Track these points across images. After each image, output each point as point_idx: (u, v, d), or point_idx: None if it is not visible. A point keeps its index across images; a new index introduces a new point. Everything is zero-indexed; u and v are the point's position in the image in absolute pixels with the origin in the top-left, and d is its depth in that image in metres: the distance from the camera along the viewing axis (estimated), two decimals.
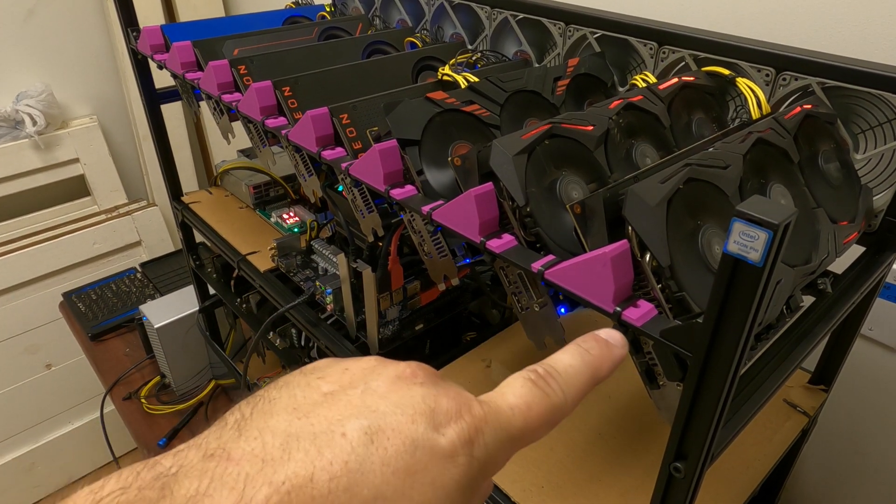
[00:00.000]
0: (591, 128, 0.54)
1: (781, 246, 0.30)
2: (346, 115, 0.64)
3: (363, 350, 0.79)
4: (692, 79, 0.64)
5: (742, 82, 0.62)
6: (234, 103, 0.74)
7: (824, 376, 0.72)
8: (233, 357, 1.31)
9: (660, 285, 0.40)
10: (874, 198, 0.60)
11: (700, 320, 0.35)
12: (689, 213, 0.43)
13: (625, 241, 0.39)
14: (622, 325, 0.39)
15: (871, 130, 0.61)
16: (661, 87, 0.61)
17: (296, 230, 1.00)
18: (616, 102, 0.57)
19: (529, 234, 0.48)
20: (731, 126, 0.65)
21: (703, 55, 0.68)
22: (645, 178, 0.44)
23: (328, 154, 0.62)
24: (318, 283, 0.81)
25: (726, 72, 0.63)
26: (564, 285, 0.41)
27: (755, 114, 0.60)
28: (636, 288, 0.41)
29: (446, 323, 0.84)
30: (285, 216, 1.04)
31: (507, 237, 0.47)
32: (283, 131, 0.67)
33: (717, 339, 0.34)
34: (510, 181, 0.47)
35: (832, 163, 0.58)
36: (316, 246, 0.89)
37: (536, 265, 0.44)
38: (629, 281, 0.40)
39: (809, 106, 0.57)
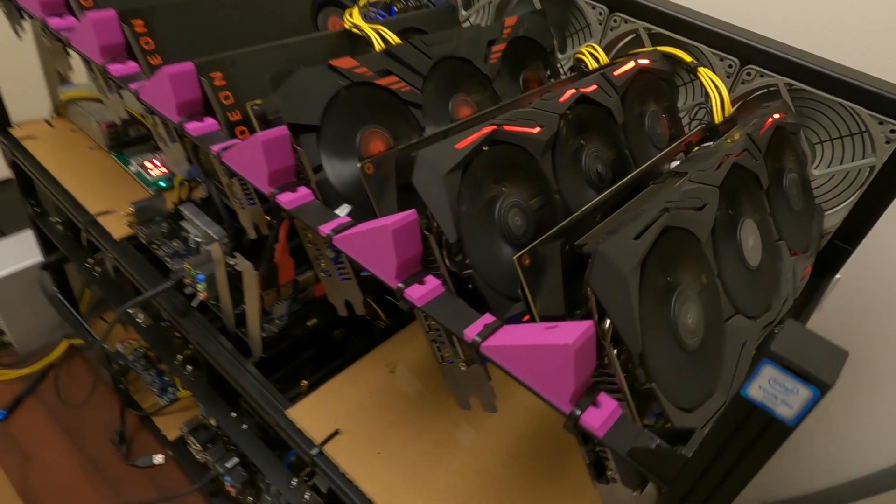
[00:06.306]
0: (539, 130, 0.43)
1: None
2: (220, 74, 0.48)
3: (241, 347, 0.66)
4: (648, 62, 0.55)
5: (705, 76, 0.53)
6: (63, 32, 0.55)
7: None
8: (90, 313, 1.13)
9: (625, 374, 0.32)
10: (825, 215, 0.55)
11: (684, 451, 0.27)
12: (662, 269, 0.35)
13: (590, 323, 0.30)
14: (582, 436, 0.30)
15: (830, 142, 0.55)
16: (616, 73, 0.51)
17: (162, 185, 0.83)
18: (568, 94, 0.46)
19: (458, 267, 0.38)
20: (690, 125, 0.57)
21: (657, 30, 0.58)
22: (606, 219, 0.35)
23: (194, 127, 0.47)
24: (187, 266, 0.66)
25: (689, 58, 0.54)
26: (510, 369, 0.32)
27: (718, 117, 0.52)
28: (597, 373, 0.32)
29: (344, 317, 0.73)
30: (149, 165, 0.85)
31: (431, 282, 0.37)
32: (134, 85, 0.50)
33: (705, 481, 0.27)
34: (439, 209, 0.36)
35: (792, 176, 0.52)
36: (186, 212, 0.73)
37: (471, 332, 0.33)
38: (591, 370, 0.31)
39: (780, 115, 0.49)
